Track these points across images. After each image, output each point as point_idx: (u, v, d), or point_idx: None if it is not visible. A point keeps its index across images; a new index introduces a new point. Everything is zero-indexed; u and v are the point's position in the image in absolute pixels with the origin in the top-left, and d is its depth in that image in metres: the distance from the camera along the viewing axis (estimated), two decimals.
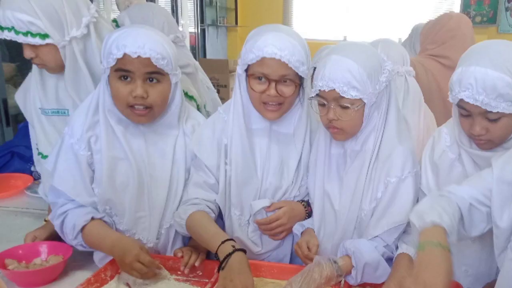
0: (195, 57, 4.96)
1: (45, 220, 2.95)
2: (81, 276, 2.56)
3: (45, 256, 2.66)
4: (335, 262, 2.36)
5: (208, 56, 12.16)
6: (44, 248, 2.69)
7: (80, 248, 2.61)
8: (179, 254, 2.59)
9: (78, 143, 2.56)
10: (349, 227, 2.52)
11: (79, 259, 2.71)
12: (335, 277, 2.35)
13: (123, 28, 2.53)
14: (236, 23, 13.12)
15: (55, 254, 2.65)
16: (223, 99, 4.51)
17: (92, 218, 2.54)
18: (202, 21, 11.94)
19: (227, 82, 9.57)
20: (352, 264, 2.39)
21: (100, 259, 2.68)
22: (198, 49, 11.87)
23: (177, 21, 10.25)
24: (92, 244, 2.57)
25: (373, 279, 2.42)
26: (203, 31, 12.08)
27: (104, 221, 2.59)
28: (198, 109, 3.58)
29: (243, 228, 2.72)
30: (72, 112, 2.77)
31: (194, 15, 11.67)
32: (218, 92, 4.79)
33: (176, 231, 2.71)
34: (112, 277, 2.52)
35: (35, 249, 2.68)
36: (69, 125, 2.61)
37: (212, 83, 4.60)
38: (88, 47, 2.79)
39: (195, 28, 11.75)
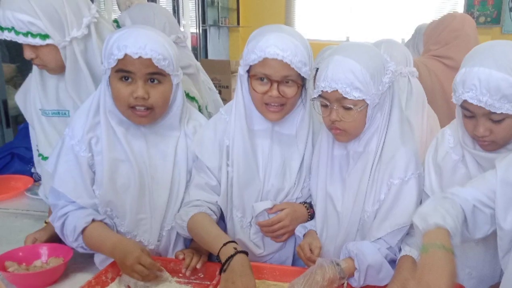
0: (196, 58, 4.95)
1: (46, 222, 2.95)
2: (82, 278, 2.55)
3: (46, 258, 2.65)
4: (337, 264, 2.35)
5: (210, 57, 12.18)
6: (44, 250, 2.68)
7: (80, 250, 2.60)
8: (181, 256, 2.57)
9: (79, 144, 2.55)
10: (351, 229, 2.51)
11: (79, 261, 2.71)
12: (338, 280, 2.34)
13: (124, 29, 2.52)
14: (238, 23, 13.13)
15: (56, 256, 2.63)
16: (225, 100, 4.50)
17: (93, 220, 2.53)
18: (203, 21, 11.95)
19: (229, 83, 9.56)
20: (355, 267, 2.37)
21: (101, 261, 2.67)
22: (200, 49, 11.90)
23: (179, 22, 10.26)
24: (93, 246, 2.56)
25: (376, 281, 2.41)
26: (204, 31, 12.11)
27: (105, 223, 2.58)
28: (200, 110, 3.56)
29: (245, 230, 2.71)
30: (73, 113, 2.77)
31: (196, 16, 11.69)
32: (219, 93, 4.80)
33: (177, 233, 2.70)
34: (113, 280, 2.50)
35: (35, 251, 2.67)
36: (69, 126, 2.60)
37: (213, 84, 4.60)
38: (88, 48, 2.78)
39: (196, 28, 11.78)
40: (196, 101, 3.66)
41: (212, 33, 12.46)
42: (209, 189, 2.67)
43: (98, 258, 2.68)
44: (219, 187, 2.68)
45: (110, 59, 2.39)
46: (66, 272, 2.61)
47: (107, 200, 2.57)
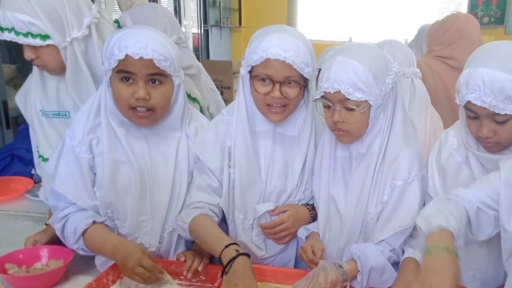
0: (198, 59, 4.94)
1: (46, 224, 2.92)
2: (82, 280, 2.55)
3: (46, 261, 2.64)
4: (340, 266, 2.34)
5: (212, 58, 12.17)
6: (44, 252, 2.67)
7: (81, 252, 2.59)
8: (182, 259, 2.56)
9: (80, 145, 2.53)
10: (354, 231, 2.49)
11: (80, 263, 2.70)
12: (341, 282, 2.33)
13: (125, 29, 2.51)
14: (240, 23, 13.12)
15: (56, 258, 2.62)
16: (227, 101, 4.51)
17: (94, 222, 2.51)
18: (205, 21, 11.94)
19: (231, 83, 9.54)
20: (357, 269, 2.36)
21: (101, 263, 2.65)
22: (201, 50, 11.89)
23: (180, 22, 10.27)
24: (94, 248, 2.55)
25: (379, 283, 2.39)
26: (206, 32, 12.10)
27: (106, 225, 2.57)
28: (201, 111, 3.56)
29: (247, 232, 2.70)
30: (73, 114, 2.76)
31: (197, 16, 11.68)
32: (221, 94, 4.77)
33: (179, 235, 2.69)
34: (114, 282, 2.49)
35: (36, 253, 2.66)
36: (70, 128, 2.59)
37: (215, 84, 4.59)
38: (89, 48, 2.77)
39: (198, 29, 11.77)
40: (198, 102, 3.65)
41: (214, 33, 12.45)
42: (211, 191, 2.66)
43: (99, 261, 2.67)
44: (221, 189, 2.66)
45: (111, 60, 2.38)
46: (66, 274, 2.60)
47: (108, 201, 2.55)
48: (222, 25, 12.57)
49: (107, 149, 2.52)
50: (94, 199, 2.57)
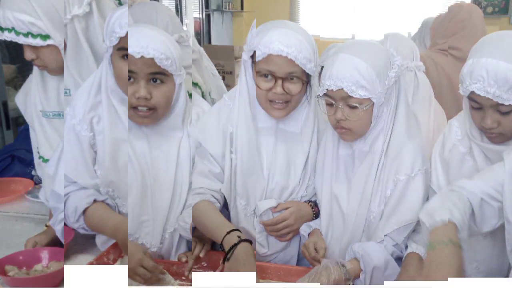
0: (199, 43, 4.91)
1: (46, 226, 2.91)
2: (83, 259, 2.63)
3: (46, 262, 2.63)
4: (343, 265, 2.34)
5: (213, 42, 12.19)
6: (45, 254, 2.66)
7: (82, 231, 2.61)
8: (183, 259, 2.54)
9: (80, 123, 2.55)
10: (357, 230, 2.49)
11: (80, 242, 2.75)
12: (343, 281, 2.32)
13: (125, 7, 2.49)
14: (242, 8, 13.03)
15: (56, 260, 2.62)
16: (229, 86, 4.46)
17: (95, 201, 2.53)
18: (207, 6, 11.97)
19: (233, 68, 9.57)
20: (360, 268, 2.36)
21: (102, 242, 2.68)
22: (203, 35, 11.92)
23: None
24: (94, 227, 2.56)
25: (382, 281, 2.36)
26: (208, 16, 12.11)
27: (107, 204, 2.59)
28: (203, 96, 3.57)
29: (248, 218, 2.69)
30: (74, 92, 2.76)
31: (199, 0, 11.65)
32: (223, 79, 4.76)
33: (180, 235, 2.68)
34: (114, 261, 2.54)
35: (36, 255, 2.65)
36: (71, 106, 2.60)
37: (217, 69, 4.55)
38: (90, 26, 2.80)
39: (199, 13, 11.77)
40: (200, 87, 3.64)
41: (215, 18, 12.43)
42: (213, 177, 2.65)
43: (99, 239, 2.70)
44: (223, 175, 2.66)
45: (112, 37, 2.40)
46: (67, 253, 2.66)
47: (108, 180, 2.57)
48: (223, 9, 12.54)
49: (107, 127, 2.53)
50: (94, 177, 2.59)
